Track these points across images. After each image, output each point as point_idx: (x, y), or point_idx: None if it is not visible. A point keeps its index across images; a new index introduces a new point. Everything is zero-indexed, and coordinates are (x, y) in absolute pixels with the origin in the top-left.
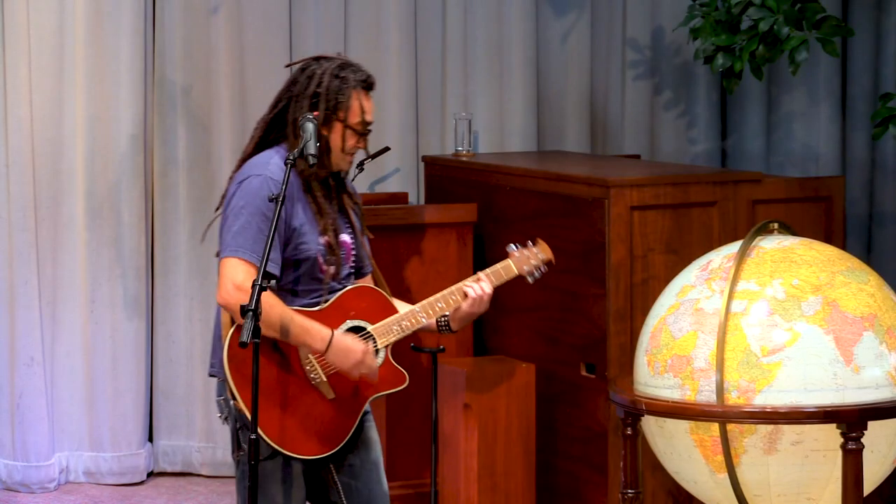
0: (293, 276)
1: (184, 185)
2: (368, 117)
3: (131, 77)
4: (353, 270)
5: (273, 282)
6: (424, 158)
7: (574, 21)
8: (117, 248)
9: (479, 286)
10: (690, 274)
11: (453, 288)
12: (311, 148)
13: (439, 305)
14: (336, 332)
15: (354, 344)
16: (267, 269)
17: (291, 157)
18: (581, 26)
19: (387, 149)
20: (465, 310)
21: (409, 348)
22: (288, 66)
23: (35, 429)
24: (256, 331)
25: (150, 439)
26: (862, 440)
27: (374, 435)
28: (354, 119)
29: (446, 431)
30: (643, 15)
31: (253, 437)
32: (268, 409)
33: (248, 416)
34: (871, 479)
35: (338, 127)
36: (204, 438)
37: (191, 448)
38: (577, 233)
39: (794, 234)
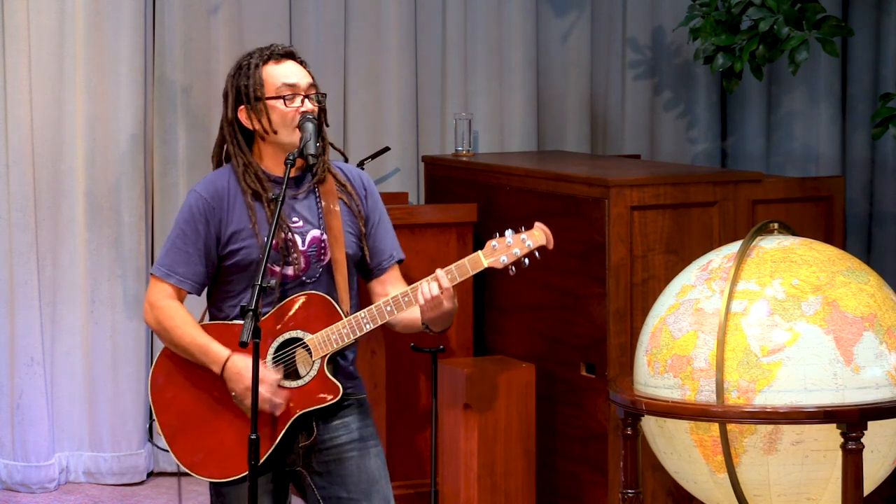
0: (244, 284)
1: (184, 185)
2: (289, 80)
3: (131, 77)
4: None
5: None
6: (424, 158)
7: (574, 21)
8: (117, 248)
9: (428, 287)
10: (690, 274)
11: (407, 289)
12: (311, 148)
13: (388, 309)
14: (235, 355)
15: (248, 370)
16: (177, 286)
17: (291, 157)
18: (581, 26)
19: (387, 149)
20: (426, 314)
21: (408, 348)
22: None
23: (35, 429)
24: (256, 331)
25: (150, 439)
26: (862, 440)
27: (363, 463)
28: (272, 89)
29: (446, 431)
30: (643, 15)
31: (253, 437)
32: (183, 432)
33: (164, 441)
34: (871, 479)
35: (261, 106)
36: None
37: None
38: (577, 233)
39: (794, 234)
